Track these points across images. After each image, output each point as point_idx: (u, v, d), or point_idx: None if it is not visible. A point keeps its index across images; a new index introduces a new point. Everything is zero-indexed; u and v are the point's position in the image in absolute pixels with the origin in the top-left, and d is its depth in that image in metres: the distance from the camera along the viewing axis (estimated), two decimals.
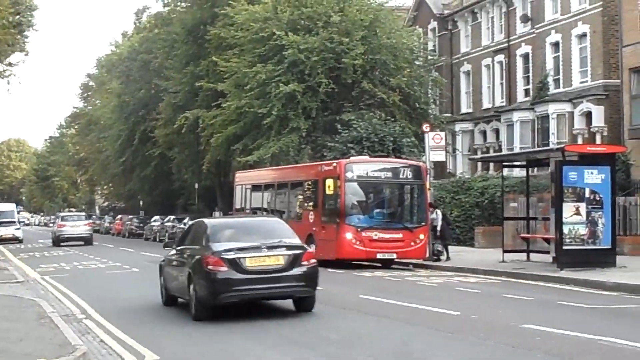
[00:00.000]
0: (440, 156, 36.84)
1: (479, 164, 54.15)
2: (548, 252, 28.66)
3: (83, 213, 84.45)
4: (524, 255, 30.74)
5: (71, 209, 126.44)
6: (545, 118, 47.71)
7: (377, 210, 33.48)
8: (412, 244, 32.26)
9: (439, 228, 33.52)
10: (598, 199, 26.53)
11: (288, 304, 19.38)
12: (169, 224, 63.98)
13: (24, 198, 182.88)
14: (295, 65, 46.43)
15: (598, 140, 44.11)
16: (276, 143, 46.16)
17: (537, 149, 44.15)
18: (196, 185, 70.34)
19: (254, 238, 18.62)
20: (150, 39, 78.60)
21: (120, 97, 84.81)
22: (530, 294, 21.91)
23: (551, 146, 43.26)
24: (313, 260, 18.70)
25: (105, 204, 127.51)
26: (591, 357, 13.05)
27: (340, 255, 32.06)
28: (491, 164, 51.59)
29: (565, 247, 26.32)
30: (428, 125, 38.23)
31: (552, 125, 47.02)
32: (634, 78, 41.39)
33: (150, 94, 78.00)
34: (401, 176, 33.32)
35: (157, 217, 71.73)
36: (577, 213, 26.32)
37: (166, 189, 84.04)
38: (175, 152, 71.00)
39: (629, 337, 14.19)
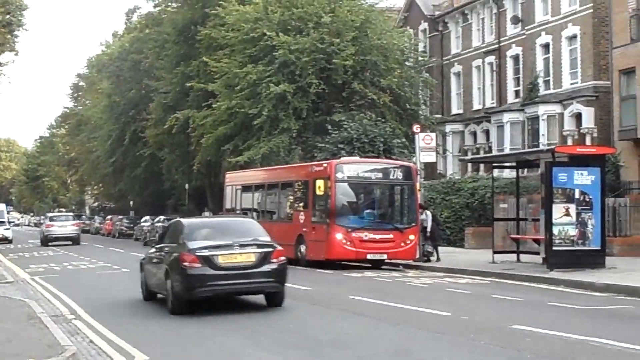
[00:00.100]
0: (430, 157, 36.87)
1: (469, 165, 54.22)
2: (538, 253, 28.71)
3: (71, 213, 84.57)
4: (514, 256, 30.79)
5: (61, 209, 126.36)
6: (535, 119, 47.79)
7: (368, 210, 33.51)
8: (403, 244, 32.28)
9: (429, 229, 33.53)
10: (588, 200, 26.57)
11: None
12: (159, 224, 63.82)
13: (13, 198, 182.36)
14: (285, 66, 46.43)
15: (588, 141, 44.20)
16: (267, 144, 46.15)
17: (527, 150, 44.20)
18: (186, 186, 70.34)
19: (228, 237, 19.67)
20: (141, 39, 78.54)
21: (111, 97, 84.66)
22: (520, 294, 21.94)
23: (541, 147, 43.32)
24: (282, 258, 19.70)
25: (96, 204, 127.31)
26: (580, 357, 13.06)
27: (330, 256, 32.08)
28: (481, 165, 51.68)
29: (555, 248, 26.35)
30: (418, 126, 38.30)
31: (542, 126, 47.09)
32: (623, 79, 41.50)
33: (141, 94, 77.98)
34: (391, 177, 33.33)
35: (147, 217, 71.54)
36: (567, 214, 26.36)
37: (156, 190, 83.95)
38: (165, 153, 70.90)
39: (618, 338, 14.21)
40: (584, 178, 26.58)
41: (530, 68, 49.88)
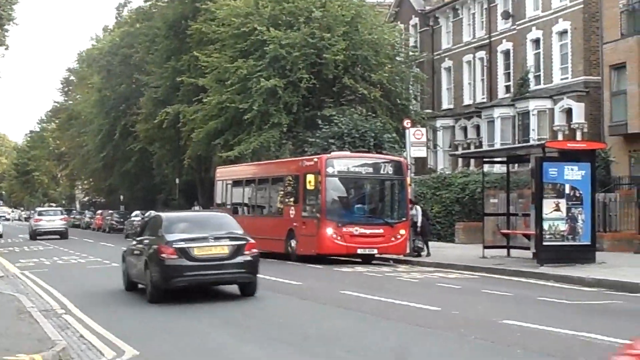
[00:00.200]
0: (421, 152, 36.93)
1: (460, 160, 54.24)
2: (528, 248, 28.74)
3: (59, 208, 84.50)
4: (504, 251, 30.83)
5: (51, 204, 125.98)
6: (525, 114, 47.82)
7: (358, 205, 33.57)
8: (393, 239, 32.30)
9: (419, 224, 33.57)
10: (578, 195, 26.63)
11: (276, 297, 19.31)
12: None
13: (3, 193, 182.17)
14: (276, 61, 46.40)
15: (578, 136, 44.23)
16: (257, 138, 46.14)
17: (517, 145, 44.20)
18: (177, 181, 70.27)
19: (204, 230, 20.77)
20: (132, 33, 78.43)
21: (101, 92, 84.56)
22: (510, 289, 21.96)
23: (531, 142, 43.24)
24: (255, 250, 20.67)
25: (86, 198, 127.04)
26: (570, 352, 13.07)
27: (320, 251, 32.11)
28: (472, 160, 51.71)
29: (545, 243, 26.41)
30: (409, 121, 38.37)
31: (533, 121, 47.13)
32: (614, 75, 41.54)
33: (131, 88, 77.91)
34: (382, 172, 33.36)
35: (137, 212, 71.42)
36: (557, 209, 26.41)
37: (147, 184, 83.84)
38: (156, 147, 70.84)
39: (608, 333, 14.20)
40: (574, 173, 26.63)
41: (521, 63, 49.90)
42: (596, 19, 43.88)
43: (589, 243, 26.96)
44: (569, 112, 45.70)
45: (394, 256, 32.92)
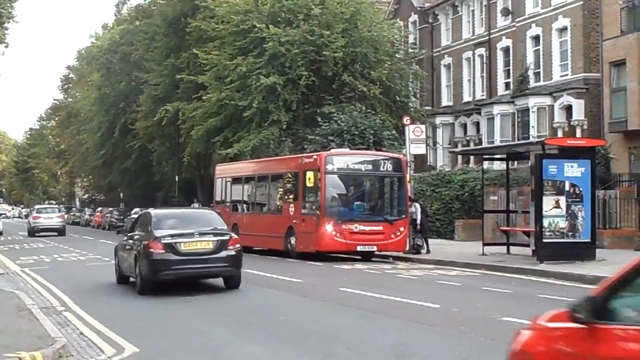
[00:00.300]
0: (420, 149, 36.90)
1: (460, 157, 54.21)
2: (528, 245, 28.69)
3: (57, 206, 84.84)
4: (504, 248, 30.82)
5: (51, 202, 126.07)
6: (525, 111, 47.77)
7: (358, 202, 33.57)
8: (393, 236, 32.29)
9: (418, 221, 33.54)
10: (578, 192, 26.59)
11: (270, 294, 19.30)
12: None
13: (3, 190, 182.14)
14: (275, 58, 46.40)
15: (578, 133, 44.21)
16: (257, 136, 46.15)
17: (517, 142, 44.18)
18: (176, 178, 70.25)
19: (190, 226, 22.04)
20: (131, 31, 78.43)
21: (101, 90, 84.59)
22: (510, 287, 21.96)
23: (531, 139, 43.30)
24: (238, 245, 21.87)
25: (86, 196, 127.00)
26: None
27: (320, 248, 32.08)
28: (471, 157, 51.70)
29: (545, 240, 26.38)
30: (408, 118, 38.34)
31: (533, 118, 47.08)
32: (614, 72, 41.51)
33: (131, 86, 77.87)
34: (381, 169, 33.34)
35: (137, 209, 71.31)
36: (557, 206, 26.39)
37: (146, 182, 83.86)
38: (155, 145, 70.90)
39: None
40: (574, 170, 26.60)
41: (521, 60, 49.86)
42: (596, 15, 43.85)
43: (589, 240, 26.93)
44: (568, 109, 45.67)
45: (394, 253, 32.90)
